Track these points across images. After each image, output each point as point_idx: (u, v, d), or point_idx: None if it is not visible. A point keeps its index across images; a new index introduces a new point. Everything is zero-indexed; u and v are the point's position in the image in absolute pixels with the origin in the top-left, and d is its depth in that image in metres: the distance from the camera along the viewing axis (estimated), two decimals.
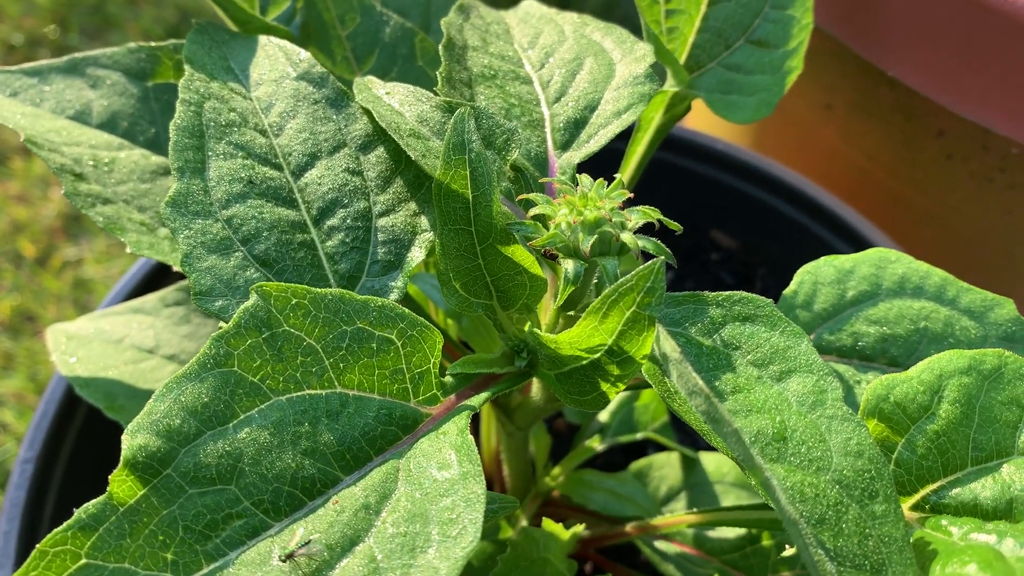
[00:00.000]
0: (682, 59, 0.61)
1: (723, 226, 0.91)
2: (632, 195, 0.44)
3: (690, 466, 0.68)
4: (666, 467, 0.69)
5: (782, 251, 0.88)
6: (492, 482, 0.70)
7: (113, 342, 0.59)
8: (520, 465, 0.62)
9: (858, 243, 0.81)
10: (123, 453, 0.37)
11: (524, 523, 0.60)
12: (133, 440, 0.37)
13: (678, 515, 0.55)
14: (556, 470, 0.65)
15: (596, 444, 0.66)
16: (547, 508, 0.65)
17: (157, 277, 0.70)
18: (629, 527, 0.58)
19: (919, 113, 0.77)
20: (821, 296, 0.52)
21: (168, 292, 0.61)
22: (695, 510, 0.54)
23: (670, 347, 0.40)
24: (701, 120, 1.02)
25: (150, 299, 0.61)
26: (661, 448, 0.75)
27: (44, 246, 1.46)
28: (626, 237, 0.42)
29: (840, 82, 0.81)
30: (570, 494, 0.63)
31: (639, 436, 0.68)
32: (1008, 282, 0.87)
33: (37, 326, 1.37)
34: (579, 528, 0.54)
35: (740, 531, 0.59)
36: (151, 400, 0.38)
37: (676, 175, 0.88)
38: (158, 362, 0.58)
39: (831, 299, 0.52)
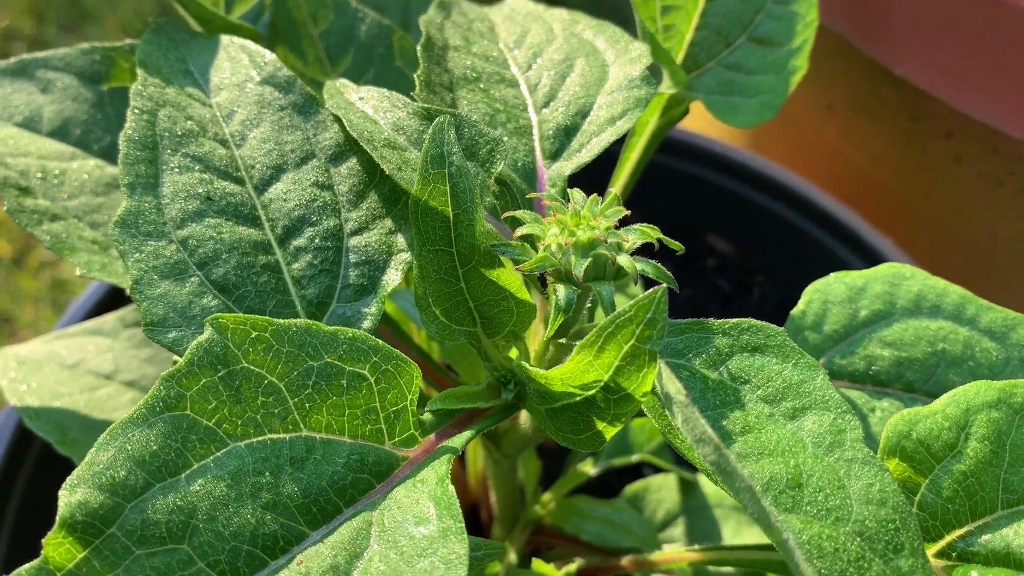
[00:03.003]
0: (679, 58, 0.57)
1: (720, 231, 0.87)
2: (628, 212, 0.40)
3: (688, 489, 0.64)
4: (663, 490, 0.65)
5: (781, 257, 0.84)
6: (479, 507, 0.66)
7: (68, 367, 0.54)
8: (508, 492, 0.58)
9: (861, 249, 0.77)
10: (59, 512, 0.33)
11: (513, 556, 0.56)
12: (72, 496, 0.33)
13: (678, 551, 0.51)
14: (547, 496, 0.61)
15: (589, 468, 0.62)
16: (537, 537, 0.61)
17: (120, 294, 0.66)
18: (625, 561, 0.54)
19: (926, 114, 0.73)
20: (831, 316, 0.48)
21: (128, 312, 0.57)
22: (696, 547, 0.50)
23: (674, 388, 0.36)
24: (696, 118, 0.98)
25: (109, 319, 0.57)
26: (658, 467, 0.71)
27: (21, 246, 1.42)
28: (623, 260, 0.38)
29: (842, 81, 0.77)
30: (562, 523, 0.59)
31: (634, 459, 0.64)
32: (1017, 289, 0.84)
33: (13, 327, 1.33)
34: (572, 568, 0.50)
35: None
36: (93, 449, 0.34)
37: (671, 177, 0.84)
38: (116, 388, 0.54)
39: (842, 319, 0.48)
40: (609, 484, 0.72)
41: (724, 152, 0.82)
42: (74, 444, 0.49)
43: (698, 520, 0.64)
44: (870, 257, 0.77)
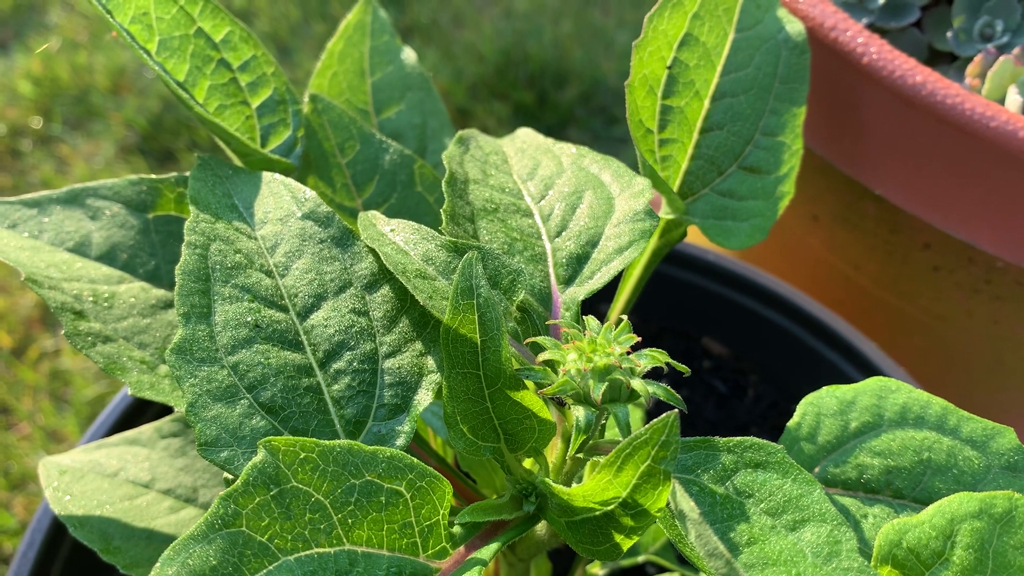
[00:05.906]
0: (676, 186, 0.62)
1: (714, 334, 0.91)
2: (640, 339, 0.44)
3: None
4: None
5: (773, 358, 0.88)
6: None
7: (108, 476, 0.57)
8: None
9: (849, 353, 0.81)
10: None
11: None
12: None
13: None
14: None
15: (597, 570, 0.65)
16: None
17: (146, 405, 0.69)
18: None
19: (904, 227, 0.78)
20: (824, 428, 0.52)
21: (164, 423, 0.60)
22: None
23: (688, 506, 0.40)
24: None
25: (146, 430, 0.60)
26: (662, 567, 0.74)
27: (21, 337, 1.44)
28: (636, 384, 0.42)
29: (825, 195, 0.83)
30: None
31: (640, 559, 0.67)
32: (995, 389, 0.88)
33: (12, 419, 1.34)
34: None
35: None
36: (158, 565, 0.37)
37: (667, 284, 0.89)
38: (154, 497, 0.57)
39: (835, 431, 0.52)
40: None
41: (716, 261, 0.87)
42: (117, 552, 0.52)
43: None
44: (857, 360, 0.81)
